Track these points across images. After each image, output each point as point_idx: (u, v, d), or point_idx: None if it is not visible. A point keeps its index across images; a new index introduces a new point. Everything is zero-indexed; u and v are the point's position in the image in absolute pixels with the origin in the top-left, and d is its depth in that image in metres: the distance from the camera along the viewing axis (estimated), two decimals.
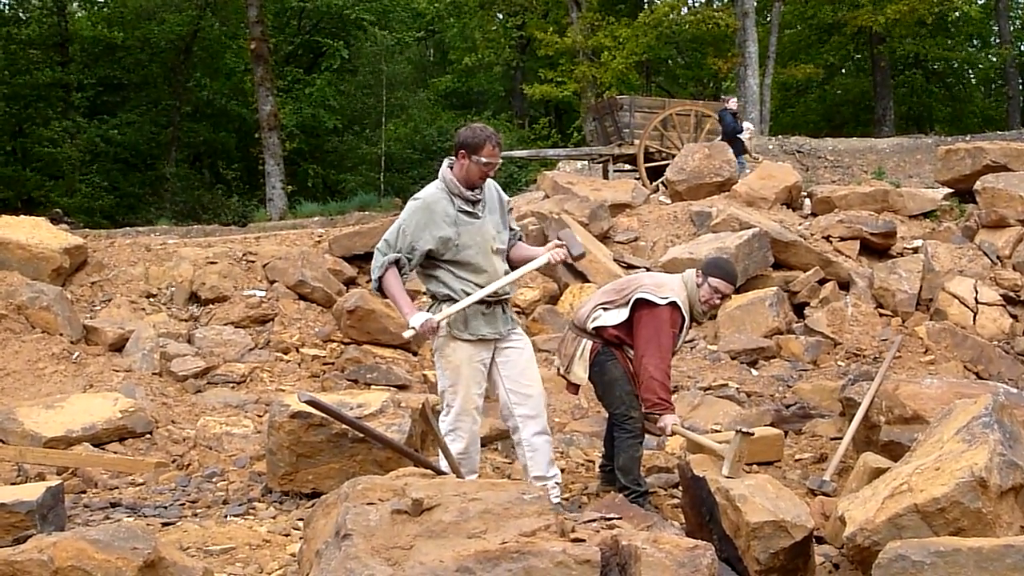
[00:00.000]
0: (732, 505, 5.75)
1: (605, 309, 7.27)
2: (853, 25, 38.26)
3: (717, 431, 9.09)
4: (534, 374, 7.10)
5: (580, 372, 7.34)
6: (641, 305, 7.11)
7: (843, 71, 49.45)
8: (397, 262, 6.75)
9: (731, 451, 6.06)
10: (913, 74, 46.80)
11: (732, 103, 22.72)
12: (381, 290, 6.90)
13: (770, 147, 29.66)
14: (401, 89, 39.11)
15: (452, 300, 6.80)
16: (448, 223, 6.72)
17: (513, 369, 6.99)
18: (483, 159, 6.71)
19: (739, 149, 22.12)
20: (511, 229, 7.13)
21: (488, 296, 6.80)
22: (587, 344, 7.37)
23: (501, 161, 6.95)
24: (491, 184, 7.00)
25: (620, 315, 7.20)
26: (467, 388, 6.88)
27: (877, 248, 14.83)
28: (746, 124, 22.65)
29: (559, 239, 6.94)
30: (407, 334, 6.81)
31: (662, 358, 7.04)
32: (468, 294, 6.76)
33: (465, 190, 6.81)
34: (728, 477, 5.98)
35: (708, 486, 5.99)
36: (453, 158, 6.93)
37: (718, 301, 7.44)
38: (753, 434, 6.26)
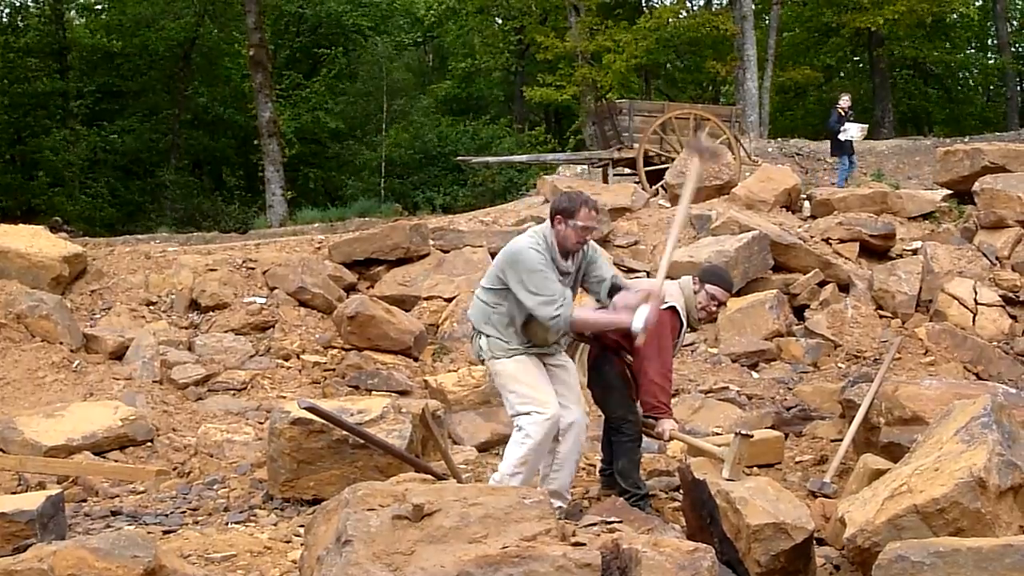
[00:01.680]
0: (732, 508, 5.75)
1: (605, 308, 7.26)
2: (851, 27, 38.25)
3: (718, 434, 9.08)
4: (579, 397, 7.09)
5: (579, 376, 7.33)
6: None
7: (842, 74, 49.45)
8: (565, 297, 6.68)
9: (731, 454, 6.07)
10: (911, 76, 46.81)
11: (843, 101, 22.70)
12: (578, 330, 6.89)
13: (769, 150, 29.65)
14: (403, 96, 39.06)
15: (500, 340, 6.83)
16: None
17: (560, 385, 6.96)
18: (580, 223, 6.66)
19: (841, 149, 22.11)
20: (603, 279, 7.03)
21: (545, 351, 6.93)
22: (586, 348, 7.37)
23: (600, 227, 6.89)
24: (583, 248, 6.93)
25: None
26: (536, 384, 6.81)
27: (876, 250, 14.83)
28: (855, 126, 22.44)
29: (667, 303, 6.94)
30: (639, 339, 6.71)
31: (661, 363, 7.04)
32: (512, 345, 6.81)
33: (560, 259, 6.76)
34: (728, 480, 5.98)
35: (708, 489, 5.99)
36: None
37: (715, 308, 7.44)
38: (752, 436, 6.27)
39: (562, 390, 6.92)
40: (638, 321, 6.52)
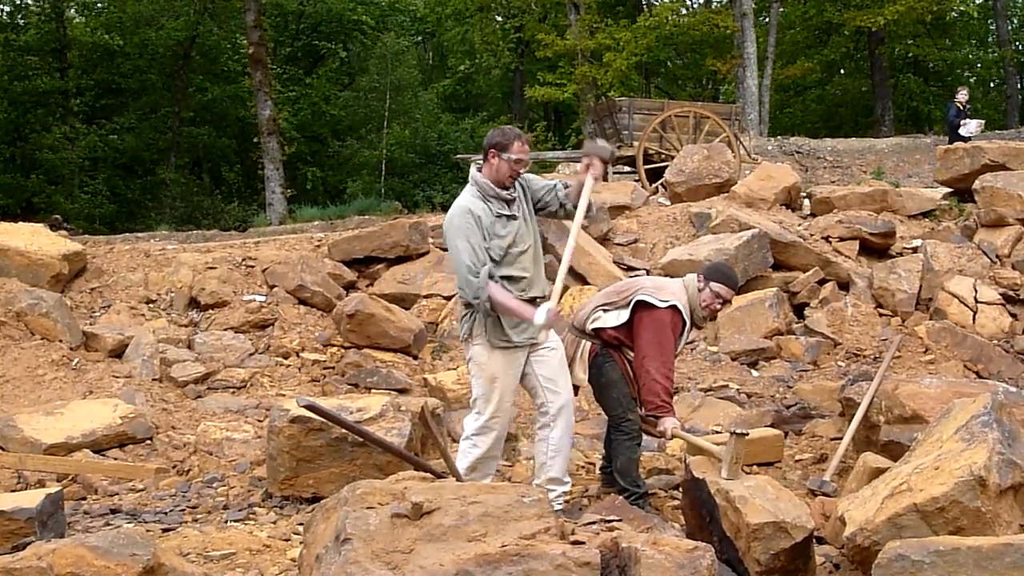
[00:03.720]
0: (732, 506, 5.74)
1: (605, 311, 7.25)
2: (852, 25, 38.26)
3: (718, 432, 9.07)
4: (566, 378, 7.10)
5: (579, 374, 7.32)
6: (641, 307, 7.09)
7: (842, 71, 49.43)
8: (490, 274, 6.66)
9: (727, 453, 6.06)
10: (911, 75, 46.79)
11: (961, 95, 22.74)
12: (493, 308, 6.78)
13: (769, 148, 29.68)
14: (407, 93, 39.04)
15: (485, 324, 6.77)
16: (488, 230, 6.70)
17: (548, 369, 6.96)
18: (513, 156, 6.71)
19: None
20: (550, 188, 7.08)
21: (537, 295, 6.85)
22: (586, 346, 7.36)
23: (530, 159, 6.93)
24: (518, 183, 6.96)
25: (620, 317, 7.18)
26: (501, 397, 6.84)
27: (876, 248, 14.82)
28: (973, 122, 22.35)
29: (586, 155, 6.93)
30: (540, 335, 6.76)
31: (663, 361, 7.03)
32: (499, 333, 6.77)
33: (500, 192, 6.79)
34: (727, 479, 5.98)
35: (708, 488, 5.98)
36: (480, 161, 6.93)
37: (719, 306, 7.42)
38: (747, 435, 6.25)
39: (551, 375, 6.94)
40: (539, 316, 6.51)
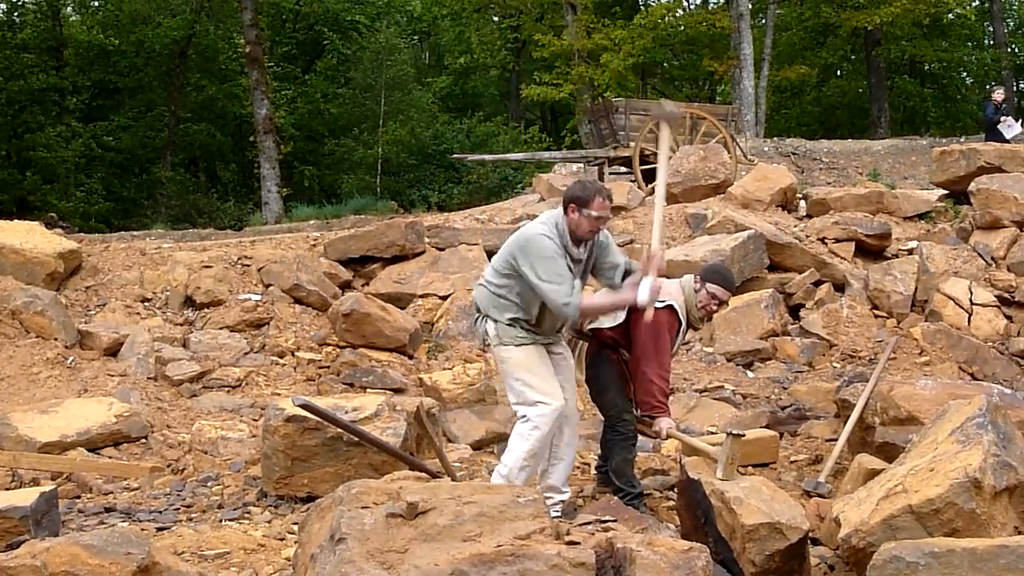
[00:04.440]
0: (727, 507, 5.75)
1: None
2: (848, 27, 38.29)
3: (713, 433, 9.08)
4: (573, 386, 7.12)
5: (576, 373, 7.33)
6: (638, 308, 7.10)
7: (838, 73, 49.46)
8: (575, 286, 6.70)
9: (723, 454, 6.06)
10: (907, 77, 46.83)
11: (997, 94, 22.76)
12: (588, 315, 6.95)
13: (765, 149, 29.65)
14: (401, 91, 39.01)
15: (508, 327, 6.84)
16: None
17: (560, 375, 6.98)
18: (594, 213, 6.68)
19: (996, 141, 22.05)
20: (616, 266, 7.11)
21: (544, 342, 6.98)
22: (583, 346, 7.36)
23: (611, 215, 6.94)
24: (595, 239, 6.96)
25: (617, 317, 7.19)
26: (542, 376, 6.83)
27: (872, 250, 14.81)
28: (1016, 125, 22.29)
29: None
30: (648, 313, 6.74)
31: (660, 362, 7.04)
32: (527, 327, 6.84)
33: (572, 246, 6.78)
34: (723, 480, 5.98)
35: (703, 488, 5.99)
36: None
37: (715, 307, 7.43)
38: (744, 436, 6.26)
39: (561, 380, 6.94)
40: (643, 294, 6.57)
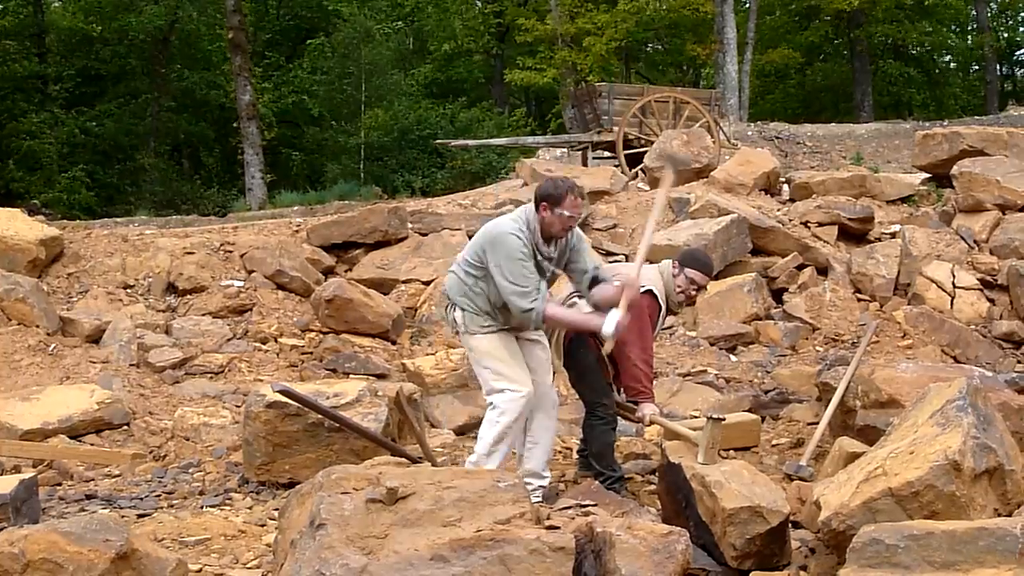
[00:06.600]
0: (708, 491, 5.76)
1: (581, 296, 7.25)
2: (831, 9, 38.30)
3: (695, 417, 9.09)
4: (548, 370, 7.10)
5: (555, 359, 7.32)
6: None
7: (822, 57, 49.45)
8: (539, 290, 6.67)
9: (704, 438, 6.07)
10: (891, 60, 46.84)
11: None
12: (550, 326, 6.94)
13: (749, 133, 29.64)
14: (380, 77, 38.87)
15: (476, 316, 6.83)
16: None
17: (533, 360, 6.99)
18: (566, 212, 6.65)
19: None
20: (586, 270, 7.03)
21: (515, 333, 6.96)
22: (562, 331, 7.36)
23: (584, 213, 6.89)
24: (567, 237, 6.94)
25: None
26: (512, 362, 6.83)
27: (855, 233, 14.85)
28: None
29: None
30: (608, 345, 6.73)
31: (643, 347, 7.05)
32: (487, 322, 6.82)
33: (543, 244, 6.76)
34: (703, 464, 5.99)
35: (684, 472, 6.00)
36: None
37: (694, 292, 7.45)
38: (724, 419, 6.27)
39: (534, 365, 6.94)
40: (608, 326, 6.53)
